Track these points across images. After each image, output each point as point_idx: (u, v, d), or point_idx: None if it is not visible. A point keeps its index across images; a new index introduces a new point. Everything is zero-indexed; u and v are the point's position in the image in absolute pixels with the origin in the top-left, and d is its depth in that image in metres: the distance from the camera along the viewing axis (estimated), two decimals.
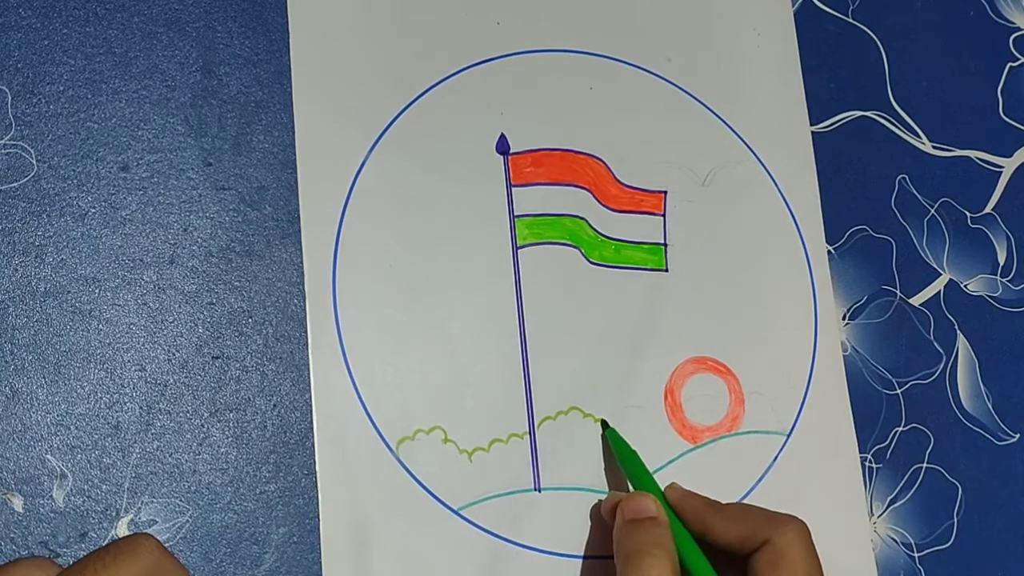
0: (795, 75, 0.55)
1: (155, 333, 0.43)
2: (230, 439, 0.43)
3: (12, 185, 0.43)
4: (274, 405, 0.44)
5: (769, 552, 0.41)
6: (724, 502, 0.44)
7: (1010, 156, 0.58)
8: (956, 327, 0.55)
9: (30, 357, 0.42)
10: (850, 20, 0.57)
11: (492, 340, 0.47)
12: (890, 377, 0.53)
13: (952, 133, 0.57)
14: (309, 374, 0.44)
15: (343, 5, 0.48)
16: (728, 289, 0.51)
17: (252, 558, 0.42)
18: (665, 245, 0.50)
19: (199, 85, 0.46)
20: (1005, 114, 0.59)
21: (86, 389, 0.42)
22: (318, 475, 0.43)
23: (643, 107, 0.52)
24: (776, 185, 0.53)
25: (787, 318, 0.52)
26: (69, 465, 0.41)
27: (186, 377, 0.43)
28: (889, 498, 0.51)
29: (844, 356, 0.52)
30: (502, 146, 0.49)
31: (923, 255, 0.55)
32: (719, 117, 0.53)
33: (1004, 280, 0.56)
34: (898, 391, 0.53)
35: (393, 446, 0.44)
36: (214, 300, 0.44)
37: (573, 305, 0.48)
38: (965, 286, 0.56)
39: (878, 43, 0.57)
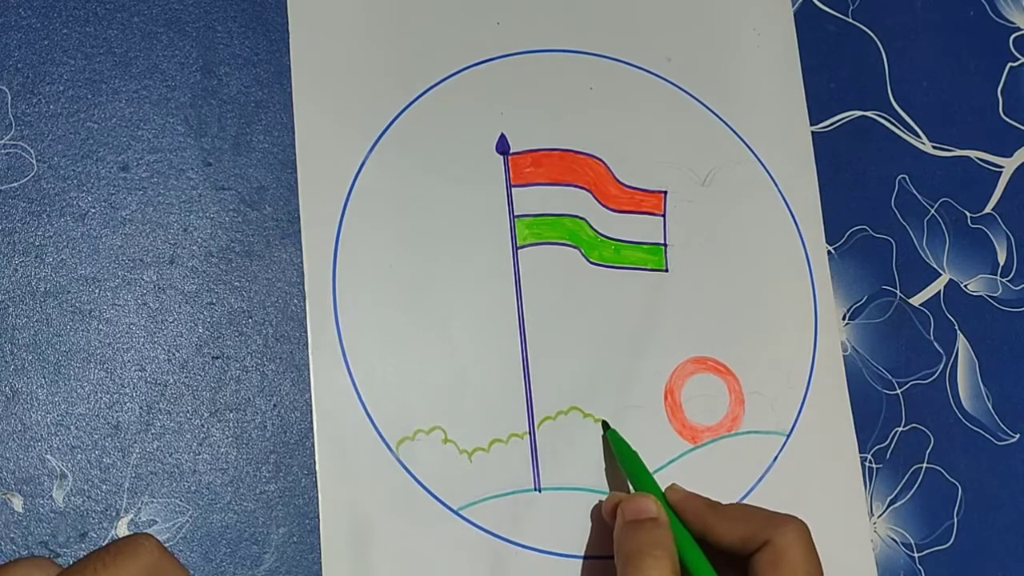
0: (795, 75, 0.55)
1: (155, 333, 0.43)
2: (230, 439, 0.43)
3: (12, 185, 0.43)
4: (274, 405, 0.44)
5: (769, 552, 0.41)
6: (724, 503, 0.44)
7: (1010, 156, 0.58)
8: (956, 327, 0.55)
9: (30, 357, 0.42)
10: (850, 20, 0.57)
11: (492, 340, 0.47)
12: (890, 377, 0.53)
13: (952, 133, 0.57)
14: (309, 374, 0.44)
15: (343, 5, 0.48)
16: (728, 289, 0.51)
17: (252, 558, 0.42)
18: (665, 245, 0.50)
19: (199, 85, 0.46)
20: (1005, 114, 0.59)
21: (86, 389, 0.42)
22: (318, 475, 0.43)
23: (643, 107, 0.52)
24: (776, 185, 0.53)
25: (787, 318, 0.52)
26: (69, 465, 0.41)
27: (186, 377, 0.43)
28: (889, 498, 0.51)
29: (844, 356, 0.52)
30: (502, 146, 0.49)
31: (923, 255, 0.55)
32: (719, 117, 0.53)
33: (1004, 280, 0.56)
34: (898, 391, 0.53)
35: (393, 446, 0.44)
36: (214, 300, 0.44)
37: (573, 305, 0.48)
38: (965, 286, 0.56)
39: (878, 43, 0.57)
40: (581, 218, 0.49)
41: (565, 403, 0.47)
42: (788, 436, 0.50)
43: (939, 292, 0.55)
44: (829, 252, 0.53)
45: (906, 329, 0.54)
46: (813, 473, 0.50)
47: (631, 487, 0.46)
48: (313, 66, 0.47)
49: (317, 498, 0.43)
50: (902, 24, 0.58)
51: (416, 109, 0.48)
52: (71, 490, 0.41)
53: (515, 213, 0.49)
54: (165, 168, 0.45)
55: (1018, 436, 0.54)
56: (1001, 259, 0.57)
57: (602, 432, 0.47)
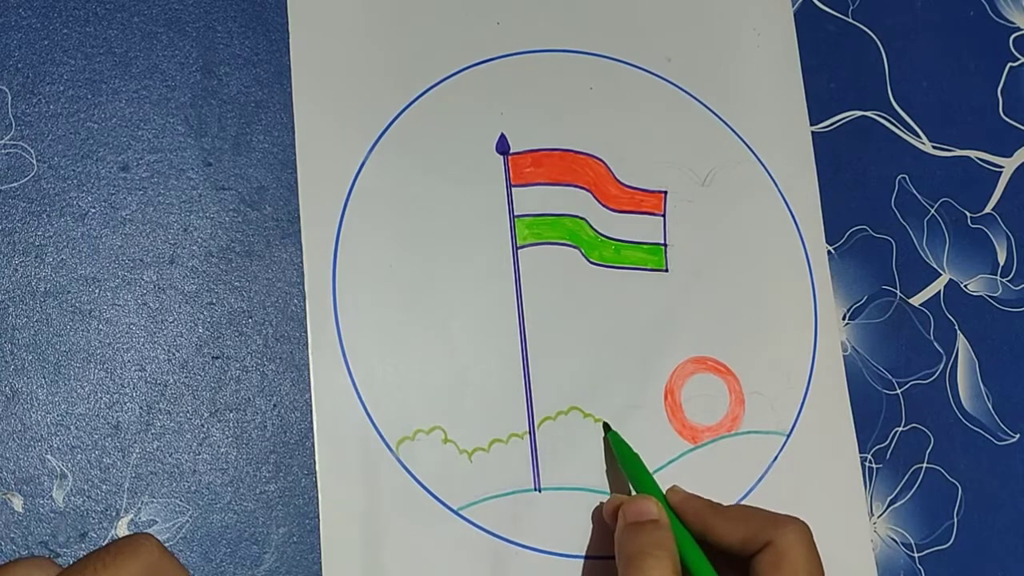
0: (795, 75, 0.55)
1: (155, 333, 0.43)
2: (230, 439, 0.43)
3: (12, 185, 0.43)
4: (274, 405, 0.44)
5: (771, 553, 0.41)
6: (725, 504, 0.44)
7: (1010, 156, 0.58)
8: (956, 327, 0.55)
9: (30, 357, 0.42)
10: (850, 20, 0.57)
11: (492, 340, 0.47)
12: (890, 377, 0.53)
13: (952, 133, 0.57)
14: (309, 374, 0.44)
15: (343, 5, 0.48)
16: (728, 289, 0.51)
17: (252, 558, 0.42)
18: (665, 245, 0.50)
19: (199, 85, 0.46)
20: (1005, 114, 0.59)
21: (86, 389, 0.42)
22: (318, 475, 0.43)
23: (643, 107, 0.52)
24: (776, 185, 0.53)
25: (787, 318, 0.52)
26: (69, 465, 0.41)
27: (186, 377, 0.43)
28: (889, 498, 0.51)
29: (844, 356, 0.52)
30: (502, 146, 0.49)
31: (923, 255, 0.55)
32: (719, 117, 0.53)
33: (1004, 280, 0.56)
34: (898, 391, 0.53)
35: (393, 446, 0.44)
36: (214, 300, 0.44)
37: (573, 305, 0.48)
38: (965, 286, 0.56)
39: (878, 43, 0.57)
40: (581, 218, 0.49)
41: (565, 403, 0.47)
42: (788, 436, 0.50)
43: (939, 292, 0.55)
44: (829, 252, 0.53)
45: (906, 329, 0.54)
46: (813, 473, 0.50)
47: (632, 489, 0.46)
48: (313, 66, 0.47)
49: (317, 498, 0.43)
50: (902, 24, 0.58)
51: (416, 109, 0.48)
52: (71, 490, 0.41)
53: (515, 213, 0.49)
54: (165, 168, 0.45)
55: (1018, 436, 0.54)
56: (1001, 259, 0.57)
57: (603, 434, 0.47)
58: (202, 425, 0.43)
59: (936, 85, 0.58)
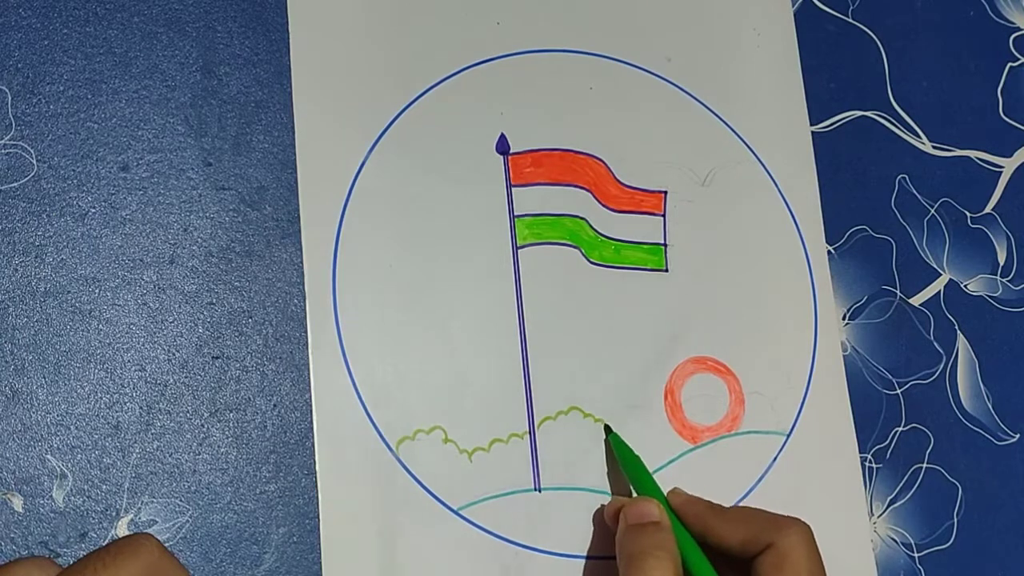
0: (795, 75, 0.55)
1: (155, 333, 0.43)
2: (230, 439, 0.43)
3: (12, 185, 0.43)
4: (274, 405, 0.44)
5: (772, 555, 0.41)
6: (727, 505, 0.44)
7: (1010, 156, 0.58)
8: (956, 327, 0.55)
9: (30, 357, 0.42)
10: (850, 20, 0.57)
11: (492, 340, 0.47)
12: (890, 377, 0.53)
13: (952, 133, 0.57)
14: (309, 374, 0.44)
15: (343, 5, 0.48)
16: (728, 289, 0.51)
17: (252, 558, 0.42)
18: (665, 245, 0.50)
19: (199, 85, 0.46)
20: (1005, 114, 0.59)
21: (86, 389, 0.42)
22: (318, 475, 0.43)
23: (643, 107, 0.52)
24: (776, 185, 0.53)
25: (787, 318, 0.52)
26: (69, 465, 0.41)
27: (186, 377, 0.43)
28: (889, 498, 0.51)
29: (844, 356, 0.52)
30: (502, 146, 0.49)
31: (923, 255, 0.55)
32: (719, 117, 0.53)
33: (1004, 280, 0.56)
34: (898, 391, 0.53)
35: (393, 446, 0.44)
36: (214, 300, 0.44)
37: (573, 305, 0.48)
38: (965, 286, 0.56)
39: (878, 43, 0.57)
40: (581, 218, 0.49)
41: (565, 403, 0.47)
42: (788, 436, 0.50)
43: (939, 292, 0.55)
44: (829, 252, 0.53)
45: (906, 329, 0.54)
46: (813, 473, 0.50)
47: (633, 491, 0.46)
48: (313, 66, 0.47)
49: (317, 498, 0.43)
50: (902, 24, 0.58)
51: (416, 109, 0.48)
52: (71, 490, 0.41)
53: (515, 213, 0.49)
54: (165, 168, 0.45)
55: (1018, 436, 0.54)
56: (1001, 259, 0.57)
57: (604, 435, 0.47)
58: (202, 425, 0.43)
59: (936, 85, 0.58)
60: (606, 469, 0.47)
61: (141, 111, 0.45)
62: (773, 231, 0.53)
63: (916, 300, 0.54)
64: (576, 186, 0.50)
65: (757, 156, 0.53)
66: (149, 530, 0.41)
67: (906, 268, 0.55)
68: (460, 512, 0.45)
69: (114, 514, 0.41)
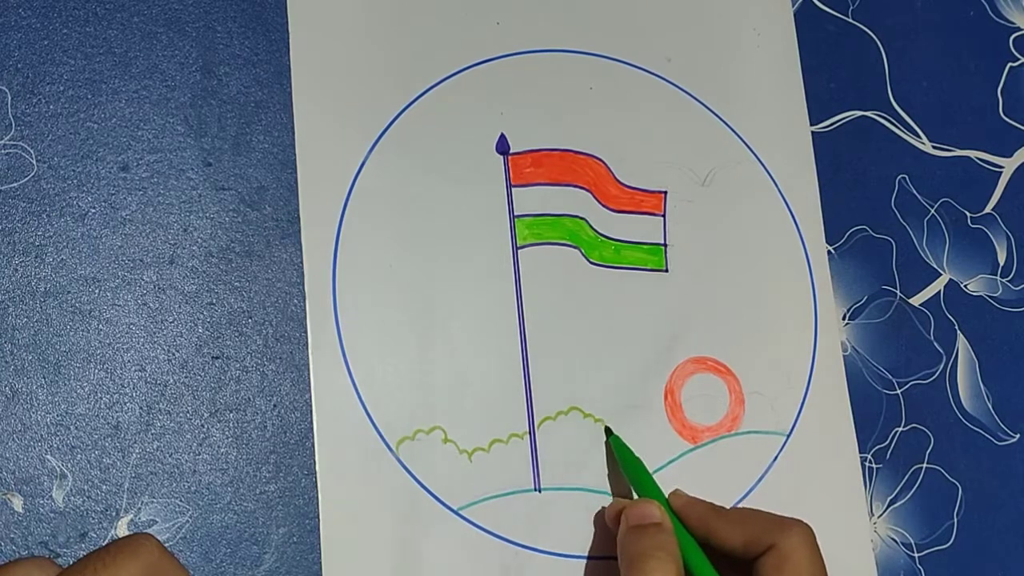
0: (795, 75, 0.55)
1: (155, 333, 0.43)
2: (230, 439, 0.43)
3: (12, 185, 0.43)
4: (274, 405, 0.44)
5: (774, 556, 0.41)
6: (728, 506, 0.44)
7: (1010, 156, 0.58)
8: (956, 327, 0.55)
9: (30, 357, 0.42)
10: (850, 20, 0.57)
11: (492, 340, 0.47)
12: (890, 377, 0.53)
13: (952, 133, 0.57)
14: (309, 374, 0.44)
15: (343, 5, 0.48)
16: (728, 289, 0.51)
17: (252, 558, 0.42)
18: (665, 245, 0.50)
19: (199, 85, 0.46)
20: (1005, 114, 0.59)
21: (86, 389, 0.42)
22: (318, 475, 0.43)
23: (643, 107, 0.52)
24: (776, 185, 0.53)
25: (787, 318, 0.52)
26: (69, 465, 0.41)
27: (186, 377, 0.43)
28: (889, 498, 0.51)
29: (844, 356, 0.52)
30: (502, 146, 0.49)
31: (923, 255, 0.55)
32: (719, 117, 0.53)
33: (1004, 280, 0.56)
34: (898, 391, 0.53)
35: (393, 446, 0.44)
36: (214, 300, 0.44)
37: (573, 305, 0.48)
38: (965, 286, 0.56)
39: (878, 43, 0.57)
40: (581, 218, 0.49)
41: (565, 403, 0.47)
42: (788, 436, 0.50)
43: (939, 292, 0.55)
44: (829, 252, 0.53)
45: (906, 329, 0.54)
46: (813, 473, 0.50)
47: (634, 493, 0.46)
48: (313, 66, 0.47)
49: (317, 498, 0.43)
50: (902, 24, 0.58)
51: (416, 109, 0.48)
52: (71, 490, 0.41)
53: (515, 213, 0.49)
54: (165, 168, 0.45)
55: (1018, 436, 0.54)
56: (1001, 259, 0.57)
57: (604, 436, 0.47)
58: (202, 425, 0.43)
59: (936, 85, 0.58)
60: (606, 470, 0.47)
61: (141, 111, 0.45)
62: (773, 231, 0.53)
63: (916, 300, 0.54)
64: (576, 186, 0.50)
65: (757, 156, 0.53)
66: (149, 530, 0.41)
67: (906, 268, 0.55)
68: (460, 512, 0.45)
69: (114, 514, 0.41)
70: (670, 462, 0.48)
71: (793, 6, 0.56)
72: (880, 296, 0.54)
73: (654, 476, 0.46)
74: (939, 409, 0.53)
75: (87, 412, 0.42)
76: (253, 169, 0.46)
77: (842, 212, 0.54)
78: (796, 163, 0.54)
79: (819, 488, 0.50)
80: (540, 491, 0.46)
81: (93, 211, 0.43)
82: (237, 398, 0.43)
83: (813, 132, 0.55)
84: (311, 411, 0.44)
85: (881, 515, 0.51)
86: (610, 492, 0.47)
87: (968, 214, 0.57)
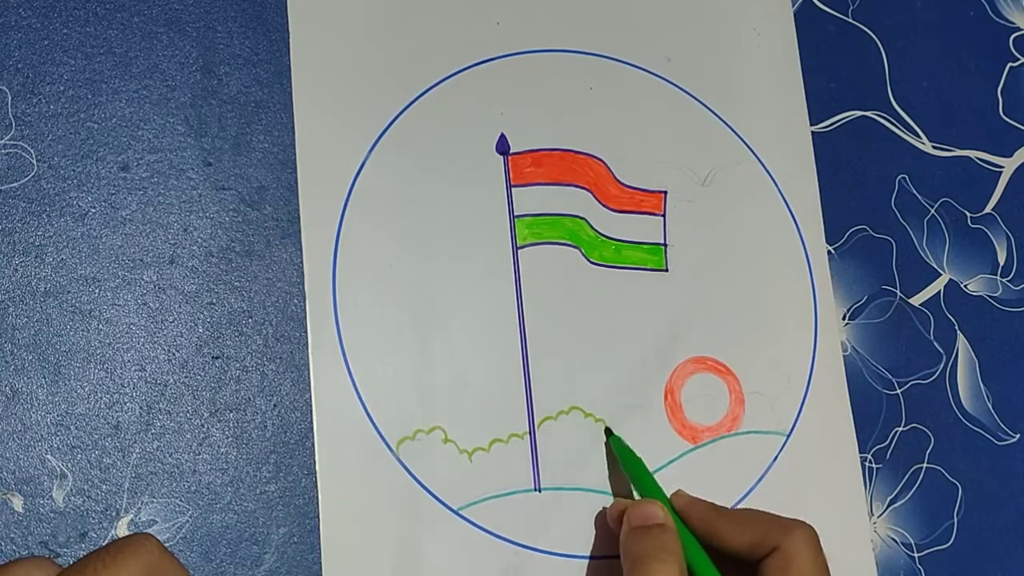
0: (795, 75, 0.55)
1: (155, 333, 0.43)
2: (230, 439, 0.43)
3: (12, 185, 0.43)
4: (274, 405, 0.44)
5: (778, 558, 0.41)
6: (731, 507, 0.44)
7: (1010, 156, 0.58)
8: (956, 327, 0.55)
9: (30, 357, 0.42)
10: (850, 20, 0.57)
11: (492, 340, 0.47)
12: (890, 377, 0.53)
13: (952, 133, 0.57)
14: (309, 374, 0.44)
15: (343, 5, 0.48)
16: (728, 289, 0.51)
17: (252, 558, 0.42)
18: (665, 245, 0.50)
19: (199, 85, 0.46)
20: (1005, 114, 0.59)
21: (86, 389, 0.42)
22: (318, 475, 0.43)
23: (643, 107, 0.52)
24: (776, 185, 0.53)
25: (787, 318, 0.52)
26: (69, 465, 0.41)
27: (186, 377, 0.43)
28: (889, 498, 0.51)
29: (844, 356, 0.52)
30: (502, 146, 0.49)
31: (923, 255, 0.55)
32: (719, 117, 0.53)
33: (1004, 280, 0.56)
34: (898, 391, 0.53)
35: (393, 446, 0.44)
36: (214, 300, 0.44)
37: (573, 305, 0.48)
38: (965, 286, 0.56)
39: (878, 43, 0.57)
40: (581, 218, 0.49)
41: (565, 403, 0.47)
42: (788, 436, 0.50)
43: (939, 292, 0.55)
44: (829, 252, 0.53)
45: (906, 329, 0.54)
46: (813, 473, 0.50)
47: (636, 494, 0.46)
48: (313, 66, 0.47)
49: (317, 498, 0.43)
50: (902, 24, 0.58)
51: (416, 109, 0.48)
52: (71, 490, 0.41)
53: (515, 213, 0.49)
54: (165, 168, 0.45)
55: (1018, 436, 0.54)
56: (1001, 259, 0.57)
57: (604, 435, 0.47)
58: (202, 425, 0.43)
59: (936, 85, 0.58)
60: (606, 469, 0.47)
61: (141, 111, 0.45)
62: (773, 231, 0.53)
63: (916, 300, 0.54)
64: (576, 186, 0.50)
65: (757, 156, 0.53)
66: (149, 530, 0.41)
67: (906, 268, 0.55)
68: (460, 512, 0.45)
69: (114, 514, 0.41)
70: (670, 462, 0.48)
71: (793, 6, 0.56)
72: (880, 296, 0.54)
73: (655, 477, 0.46)
74: (939, 409, 0.53)
75: (87, 412, 0.42)
76: (253, 169, 0.46)
77: (842, 212, 0.54)
78: (796, 163, 0.54)
79: (819, 488, 0.50)
80: (540, 491, 0.46)
81: (93, 211, 0.43)
82: (237, 398, 0.43)
83: (813, 132, 0.55)
84: (311, 411, 0.44)
85: (881, 515, 0.51)
86: (610, 492, 0.47)
87: (968, 214, 0.57)
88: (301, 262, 0.45)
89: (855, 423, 0.51)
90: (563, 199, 0.49)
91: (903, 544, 0.51)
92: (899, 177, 0.56)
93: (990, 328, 0.55)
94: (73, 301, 0.42)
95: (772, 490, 0.49)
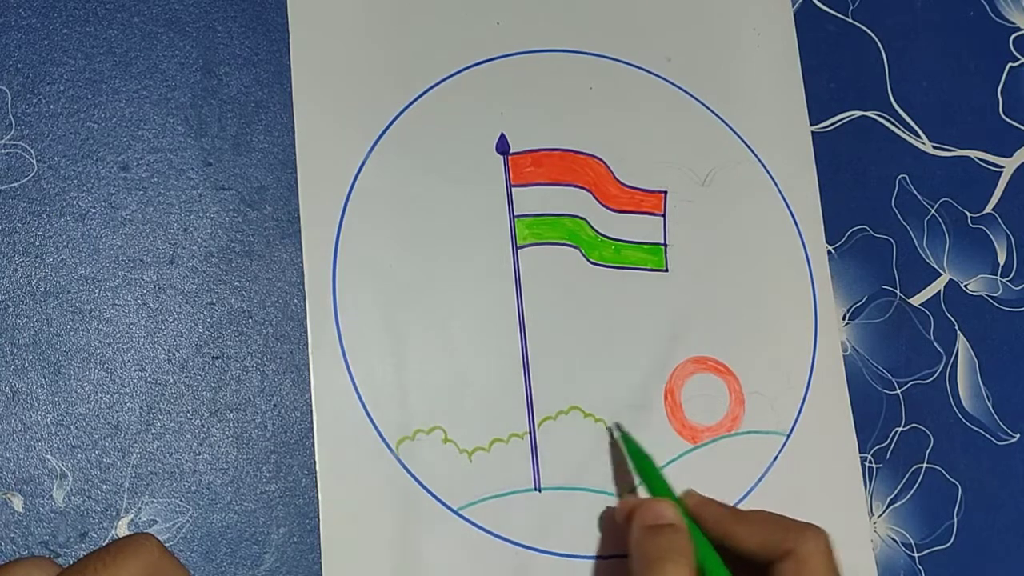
0: (795, 75, 0.55)
1: (155, 333, 0.43)
2: (230, 439, 0.43)
3: (12, 185, 0.43)
4: (274, 405, 0.44)
5: (792, 562, 0.40)
6: (743, 509, 0.44)
7: (1010, 156, 0.58)
8: (956, 327, 0.55)
9: (30, 357, 0.42)
10: (850, 20, 0.57)
11: (492, 340, 0.47)
12: (890, 377, 0.53)
13: (952, 133, 0.57)
14: (309, 374, 0.44)
15: (343, 5, 0.48)
16: (728, 289, 0.51)
17: (252, 558, 0.42)
18: (665, 245, 0.50)
19: (199, 85, 0.46)
20: (1005, 114, 0.59)
21: (86, 389, 0.42)
22: (318, 475, 0.43)
23: (643, 107, 0.52)
24: (776, 185, 0.53)
25: (787, 318, 0.52)
26: (69, 465, 0.41)
27: (186, 377, 0.43)
28: (889, 498, 0.51)
29: (844, 356, 0.52)
30: (502, 146, 0.49)
31: (923, 255, 0.55)
32: (719, 117, 0.53)
33: (1004, 280, 0.56)
34: (898, 391, 0.53)
35: (393, 446, 0.44)
36: (214, 300, 0.44)
37: (573, 305, 0.48)
38: (965, 286, 0.56)
39: (878, 43, 0.57)
40: (581, 218, 0.49)
41: (565, 403, 0.47)
42: (788, 436, 0.50)
43: (939, 292, 0.55)
44: (829, 252, 0.53)
45: (906, 329, 0.54)
46: (813, 473, 0.50)
47: (642, 492, 0.46)
48: (313, 66, 0.47)
49: (317, 498, 0.43)
50: (902, 24, 0.58)
51: (416, 109, 0.48)
52: (71, 490, 0.41)
53: (515, 213, 0.49)
54: (165, 168, 0.45)
55: (1018, 436, 0.54)
56: (1001, 259, 0.57)
57: (610, 437, 0.47)
58: (202, 425, 0.43)
59: (936, 85, 0.58)
60: (607, 469, 0.47)
61: (141, 111, 0.45)
62: (773, 231, 0.53)
63: (916, 300, 0.54)
64: (576, 186, 0.50)
65: (757, 156, 0.53)
66: (149, 530, 0.41)
67: (906, 268, 0.55)
68: (460, 512, 0.45)
69: (114, 514, 0.41)
70: (670, 462, 0.48)
71: (793, 6, 0.56)
72: (880, 296, 0.54)
73: None
74: (939, 409, 0.53)
75: (87, 412, 0.42)
76: (253, 169, 0.46)
77: (842, 212, 0.54)
78: (796, 163, 0.54)
79: (819, 488, 0.50)
80: (540, 491, 0.46)
81: (93, 211, 0.43)
82: (237, 398, 0.43)
83: (813, 132, 0.55)
84: (311, 411, 0.44)
85: (881, 515, 0.51)
86: (611, 492, 0.47)
87: (968, 214, 0.57)
88: (301, 262, 0.45)
89: (855, 423, 0.51)
90: (563, 199, 0.49)
91: (903, 544, 0.51)
92: (899, 177, 0.56)
93: (990, 328, 0.55)
94: (73, 301, 0.42)
95: (772, 490, 0.49)
